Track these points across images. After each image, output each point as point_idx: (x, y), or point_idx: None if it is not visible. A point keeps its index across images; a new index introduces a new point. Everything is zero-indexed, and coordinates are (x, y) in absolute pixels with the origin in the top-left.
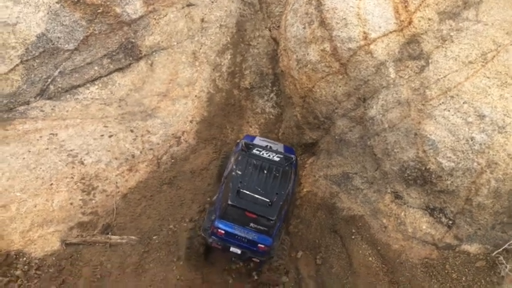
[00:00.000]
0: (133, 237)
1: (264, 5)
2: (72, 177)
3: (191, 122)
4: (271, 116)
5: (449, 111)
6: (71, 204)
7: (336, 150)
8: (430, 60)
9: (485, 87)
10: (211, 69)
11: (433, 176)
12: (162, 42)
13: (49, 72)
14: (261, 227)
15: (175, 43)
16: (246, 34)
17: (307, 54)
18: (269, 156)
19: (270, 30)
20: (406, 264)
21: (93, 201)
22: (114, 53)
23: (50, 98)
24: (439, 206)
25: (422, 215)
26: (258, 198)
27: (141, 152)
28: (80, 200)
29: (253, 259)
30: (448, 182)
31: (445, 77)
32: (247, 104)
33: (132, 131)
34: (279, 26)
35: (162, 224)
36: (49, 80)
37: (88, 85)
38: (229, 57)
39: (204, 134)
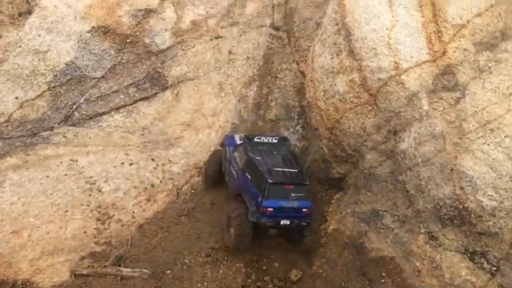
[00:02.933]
0: (145, 270)
1: (292, 39)
2: (88, 205)
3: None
4: (296, 149)
5: (489, 145)
6: (85, 232)
7: (364, 185)
8: (466, 92)
9: None
10: (236, 101)
11: (472, 215)
12: (189, 72)
13: (75, 99)
14: (300, 194)
15: (202, 74)
16: (273, 67)
17: (335, 84)
18: (269, 140)
19: (297, 63)
20: None
21: (108, 231)
22: (140, 82)
23: (73, 125)
24: (480, 249)
25: (460, 259)
26: (287, 171)
27: (160, 182)
28: (94, 228)
29: (302, 223)
30: (490, 223)
31: (483, 109)
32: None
33: (153, 159)
34: (306, 60)
35: (177, 257)
36: (74, 107)
37: (113, 113)
38: (255, 89)
39: None
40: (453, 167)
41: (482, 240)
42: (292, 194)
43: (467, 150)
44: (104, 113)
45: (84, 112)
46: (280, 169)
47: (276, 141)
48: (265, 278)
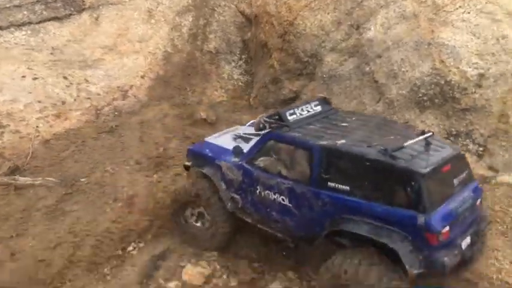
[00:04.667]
0: (51, 178)
1: None
2: None
3: (142, 77)
4: (240, 83)
5: (469, 13)
6: None
7: (324, 92)
8: None
9: None
10: (169, 28)
11: (456, 89)
12: None
13: None
14: (463, 174)
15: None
16: (209, 0)
17: None
18: (309, 109)
19: (236, 5)
20: None
21: None
22: (49, 1)
23: None
24: (464, 130)
25: None
26: (408, 143)
27: (75, 100)
28: None
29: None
30: (476, 96)
31: None
32: (211, 68)
33: (65, 77)
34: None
35: (95, 167)
36: None
37: (13, 29)
38: (191, 19)
39: (158, 91)
40: (430, 41)
41: (466, 118)
42: (455, 181)
43: (445, 23)
44: (0, 28)
45: None
46: (397, 145)
47: (320, 108)
48: None
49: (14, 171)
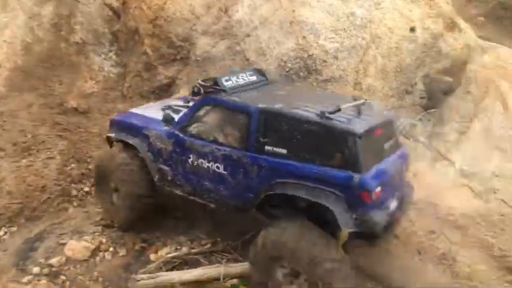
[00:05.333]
0: None
1: None
2: None
3: None
4: (111, 75)
5: None
6: None
7: (200, 74)
8: None
9: None
10: (27, 17)
11: (318, 62)
12: None
13: None
14: (392, 140)
15: None
16: None
17: None
18: (244, 78)
19: None
20: None
21: None
22: None
23: None
24: None
25: None
26: (344, 105)
27: None
28: None
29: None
30: (334, 67)
31: None
32: (80, 59)
33: None
34: None
35: None
36: None
37: None
38: (51, 8)
39: (18, 82)
40: (292, 20)
41: (328, 87)
42: (386, 145)
43: (304, 3)
44: None
45: None
46: (333, 108)
47: (255, 77)
48: None
49: None
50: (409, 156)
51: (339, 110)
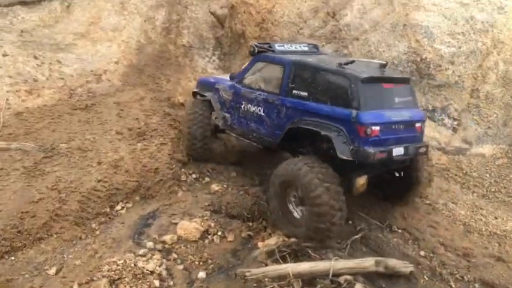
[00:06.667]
0: (28, 143)
1: None
2: None
3: (116, 63)
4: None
5: None
6: None
7: None
8: None
9: None
10: (142, 20)
11: (431, 66)
12: None
13: None
14: (407, 98)
15: None
16: None
17: None
18: (297, 48)
19: (208, 4)
20: None
21: None
22: None
23: None
24: (439, 105)
25: None
26: (365, 61)
27: (47, 79)
28: None
29: (420, 152)
30: (450, 72)
31: None
32: (185, 61)
33: (36, 57)
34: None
35: (73, 135)
36: None
37: None
38: (163, 13)
39: (132, 78)
40: (405, 23)
41: (441, 93)
42: (397, 99)
43: (418, 7)
44: None
45: None
46: (349, 60)
47: (307, 48)
48: None
49: None
50: (424, 118)
51: (353, 61)
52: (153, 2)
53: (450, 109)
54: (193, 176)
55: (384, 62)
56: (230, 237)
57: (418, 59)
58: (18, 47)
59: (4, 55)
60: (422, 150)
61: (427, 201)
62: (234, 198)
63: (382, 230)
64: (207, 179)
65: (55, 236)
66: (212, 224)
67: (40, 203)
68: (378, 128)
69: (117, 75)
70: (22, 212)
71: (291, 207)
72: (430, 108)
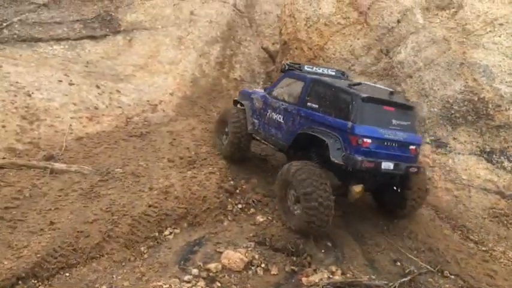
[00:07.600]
0: (86, 167)
1: (254, 25)
2: (12, 103)
3: (171, 94)
4: None
5: (500, 37)
6: (3, 127)
7: None
8: (463, 4)
9: None
10: (197, 55)
11: (490, 106)
12: (145, 22)
13: (7, 16)
14: (405, 122)
15: (159, 26)
16: (237, 35)
17: (319, 8)
18: (323, 71)
19: (261, 41)
20: (465, 214)
21: (36, 132)
22: (88, 21)
23: (0, 42)
24: (498, 146)
25: (477, 161)
26: (377, 88)
27: (106, 107)
28: (18, 125)
29: (410, 169)
30: (510, 113)
31: (485, 13)
32: (236, 93)
33: (98, 86)
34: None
35: (128, 161)
36: (5, 24)
37: (52, 42)
38: (218, 48)
39: (185, 109)
40: (462, 61)
41: (500, 135)
42: (394, 121)
43: (476, 45)
44: (40, 40)
45: (17, 32)
46: (356, 82)
47: (334, 73)
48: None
49: (48, 159)
50: (420, 142)
51: (359, 84)
52: (209, 37)
53: (510, 151)
54: (239, 206)
55: (392, 90)
56: (274, 271)
57: (476, 98)
58: (83, 77)
59: (70, 84)
60: (413, 170)
61: (484, 248)
62: (278, 231)
63: (434, 275)
64: (252, 209)
65: (106, 256)
66: (256, 256)
67: (94, 224)
68: (369, 140)
69: (172, 106)
70: (78, 231)
71: (290, 204)
72: (488, 150)
